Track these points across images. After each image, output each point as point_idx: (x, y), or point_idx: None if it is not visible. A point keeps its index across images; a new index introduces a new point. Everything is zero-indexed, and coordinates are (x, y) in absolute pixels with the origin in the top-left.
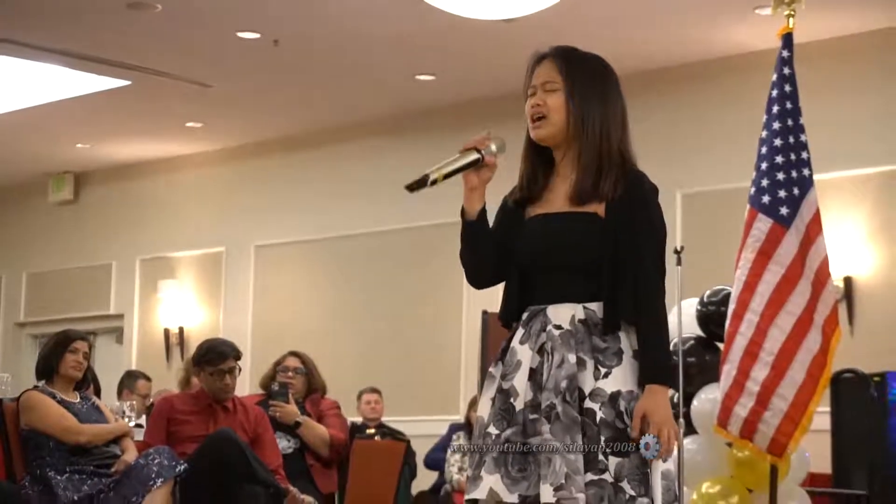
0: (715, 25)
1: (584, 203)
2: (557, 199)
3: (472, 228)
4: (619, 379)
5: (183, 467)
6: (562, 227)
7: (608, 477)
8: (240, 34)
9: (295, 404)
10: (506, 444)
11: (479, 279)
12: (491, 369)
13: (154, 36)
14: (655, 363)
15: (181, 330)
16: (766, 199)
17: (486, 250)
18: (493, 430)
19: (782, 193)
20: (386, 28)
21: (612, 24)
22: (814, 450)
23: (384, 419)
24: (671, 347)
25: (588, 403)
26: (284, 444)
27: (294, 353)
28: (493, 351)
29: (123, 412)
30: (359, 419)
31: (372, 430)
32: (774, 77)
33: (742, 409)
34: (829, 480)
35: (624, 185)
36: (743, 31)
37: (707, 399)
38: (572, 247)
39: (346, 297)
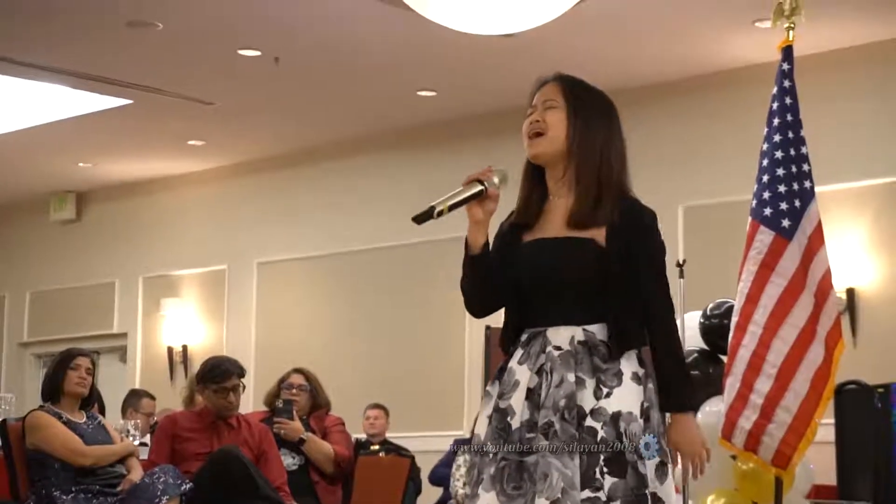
0: (715, 39)
1: (581, 228)
2: (554, 224)
3: (476, 262)
4: (621, 399)
5: (188, 486)
6: (560, 251)
7: (602, 496)
8: (241, 52)
9: (299, 421)
10: (502, 462)
11: (477, 309)
12: (488, 388)
13: (155, 54)
14: (680, 393)
15: (185, 348)
16: (767, 211)
17: (487, 282)
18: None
19: (784, 205)
20: (387, 44)
21: (612, 40)
22: (818, 461)
23: (389, 435)
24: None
25: (589, 422)
26: (289, 460)
27: (298, 370)
28: (497, 366)
29: (128, 431)
30: (363, 435)
31: (376, 447)
32: (775, 90)
33: (746, 421)
34: (834, 492)
35: (623, 212)
36: (743, 45)
37: (711, 412)
38: (571, 272)
39: (350, 313)
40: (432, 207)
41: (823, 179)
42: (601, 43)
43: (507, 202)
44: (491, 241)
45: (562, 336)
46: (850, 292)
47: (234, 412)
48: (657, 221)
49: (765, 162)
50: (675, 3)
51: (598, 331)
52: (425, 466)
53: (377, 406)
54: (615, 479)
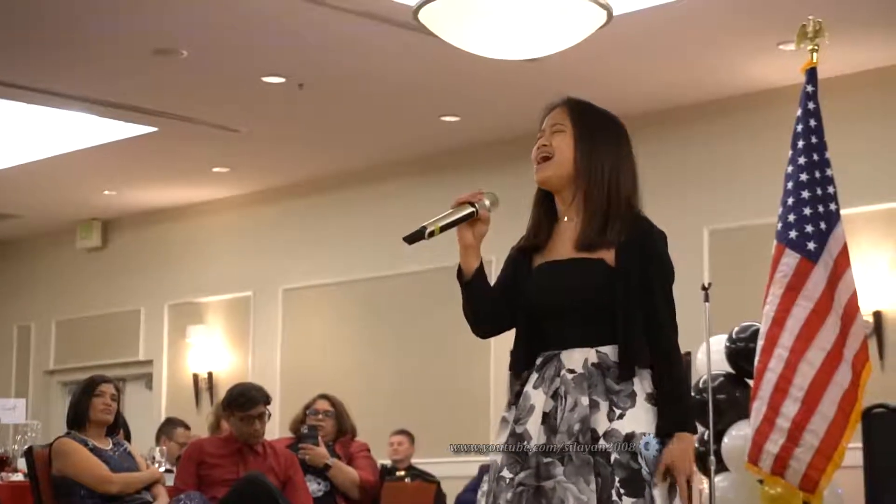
0: (739, 62)
1: (591, 250)
2: (564, 246)
3: (470, 288)
4: (634, 420)
5: None
6: (570, 274)
7: None
8: (265, 79)
9: (324, 447)
10: (519, 488)
11: (482, 331)
12: (504, 413)
13: (180, 82)
14: (679, 413)
15: (210, 375)
16: (793, 233)
17: (486, 306)
18: (506, 473)
19: (809, 228)
20: (410, 69)
21: (635, 63)
22: (846, 485)
23: (414, 461)
24: (700, 384)
25: (602, 444)
26: (315, 486)
27: (323, 396)
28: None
29: (154, 458)
30: (389, 461)
31: (402, 472)
32: (799, 112)
33: (773, 445)
34: None
35: (632, 232)
36: (767, 67)
37: (738, 436)
38: (580, 293)
39: (375, 338)
40: (423, 228)
41: (849, 201)
42: (625, 67)
43: (518, 227)
44: (489, 262)
45: (575, 359)
46: (878, 315)
47: (260, 439)
48: (666, 242)
49: (790, 184)
50: (698, 27)
51: (611, 352)
52: (451, 492)
53: (402, 432)
54: (633, 500)
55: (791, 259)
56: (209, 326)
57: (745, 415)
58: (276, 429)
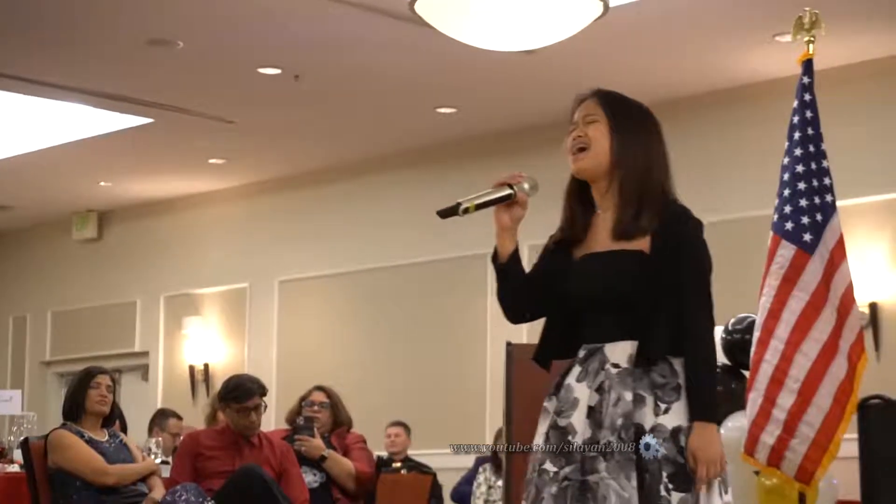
0: (735, 53)
1: (627, 239)
2: (601, 237)
3: (505, 271)
4: (680, 414)
5: (210, 503)
6: (609, 265)
7: None
8: (261, 70)
9: (320, 438)
10: (564, 482)
11: (516, 316)
12: (545, 403)
13: (176, 73)
14: (703, 401)
15: (206, 366)
16: (789, 225)
17: (521, 291)
18: (550, 466)
19: (805, 220)
20: (406, 61)
21: (632, 55)
22: (842, 477)
23: (410, 452)
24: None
25: (648, 439)
26: (310, 478)
27: (319, 388)
28: (518, 383)
29: (150, 449)
30: (385, 453)
31: (398, 464)
32: (795, 103)
33: (769, 436)
34: None
35: (667, 220)
36: (763, 59)
37: (734, 427)
38: (620, 284)
39: (371, 330)
40: (458, 204)
41: (845, 193)
42: (621, 59)
43: (540, 216)
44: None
45: (619, 352)
46: (873, 306)
47: (256, 431)
48: (701, 228)
49: (786, 176)
50: (694, 18)
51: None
52: (447, 483)
53: (398, 423)
54: (682, 494)
55: (787, 251)
56: (205, 318)
57: (741, 406)
58: (271, 420)
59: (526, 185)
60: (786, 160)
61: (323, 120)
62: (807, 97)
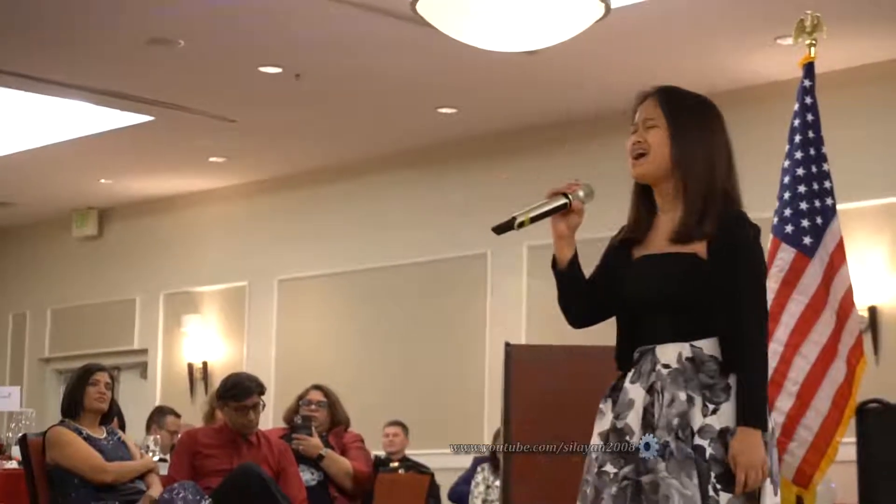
0: (737, 55)
1: (685, 242)
2: (659, 239)
3: (564, 277)
4: (728, 415)
5: (208, 502)
6: (660, 268)
7: None
8: (262, 69)
9: (318, 437)
10: (624, 482)
11: (577, 321)
12: (601, 405)
13: (176, 71)
14: (751, 406)
15: (205, 364)
16: (789, 228)
17: (580, 296)
18: (610, 468)
19: (805, 223)
20: (407, 61)
21: (633, 58)
22: (840, 480)
23: (408, 452)
24: None
25: (697, 440)
26: (308, 476)
27: (317, 387)
28: (517, 383)
29: (148, 447)
30: (383, 452)
31: (396, 464)
32: (796, 107)
33: None
34: None
35: (725, 226)
36: (765, 61)
37: None
38: (672, 287)
39: (370, 330)
40: (514, 218)
41: (845, 197)
42: (622, 60)
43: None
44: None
45: (669, 353)
46: (873, 310)
47: (254, 430)
48: (758, 233)
49: (786, 179)
50: (696, 20)
51: (705, 346)
52: (445, 483)
53: (396, 423)
54: (730, 495)
55: (787, 254)
56: (204, 316)
57: None
58: (269, 419)
59: (581, 193)
60: (786, 163)
61: (323, 119)
62: (808, 100)
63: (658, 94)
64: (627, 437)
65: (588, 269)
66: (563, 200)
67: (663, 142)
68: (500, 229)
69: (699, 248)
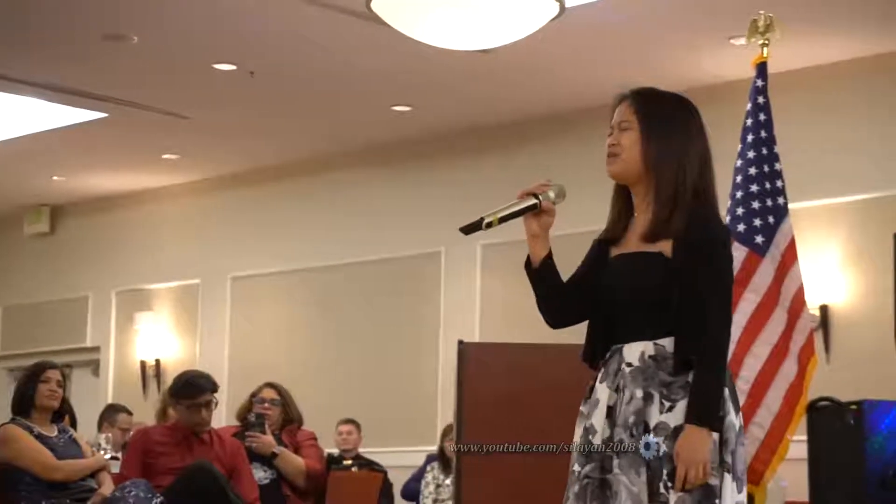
0: (690, 55)
1: (654, 241)
2: (633, 239)
3: (538, 276)
4: (683, 413)
5: (159, 500)
6: (631, 266)
7: None
8: (216, 66)
9: (271, 435)
10: (585, 480)
11: (555, 320)
12: (581, 407)
13: (130, 68)
14: (702, 405)
15: (158, 362)
16: (741, 227)
17: (555, 297)
18: (576, 467)
19: (757, 222)
20: (362, 59)
21: (587, 55)
22: (791, 478)
23: (361, 450)
24: None
25: (649, 437)
26: (261, 474)
27: (270, 385)
28: (469, 381)
29: (100, 445)
30: (336, 450)
31: (349, 462)
32: (749, 106)
33: None
34: None
35: (691, 224)
36: (718, 61)
37: None
38: (638, 286)
39: (323, 328)
40: (482, 219)
41: (797, 196)
42: (576, 59)
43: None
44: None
45: (634, 352)
46: (824, 309)
47: (207, 428)
48: (725, 233)
49: (738, 178)
50: (650, 20)
51: (668, 344)
52: (398, 481)
53: (349, 421)
54: (680, 493)
55: (739, 253)
56: (157, 314)
57: None
58: (222, 417)
59: (552, 194)
60: (739, 162)
61: (278, 117)
62: (760, 100)
63: (633, 96)
64: (591, 437)
65: (560, 267)
66: (532, 201)
67: (635, 144)
68: (468, 229)
69: (665, 246)
